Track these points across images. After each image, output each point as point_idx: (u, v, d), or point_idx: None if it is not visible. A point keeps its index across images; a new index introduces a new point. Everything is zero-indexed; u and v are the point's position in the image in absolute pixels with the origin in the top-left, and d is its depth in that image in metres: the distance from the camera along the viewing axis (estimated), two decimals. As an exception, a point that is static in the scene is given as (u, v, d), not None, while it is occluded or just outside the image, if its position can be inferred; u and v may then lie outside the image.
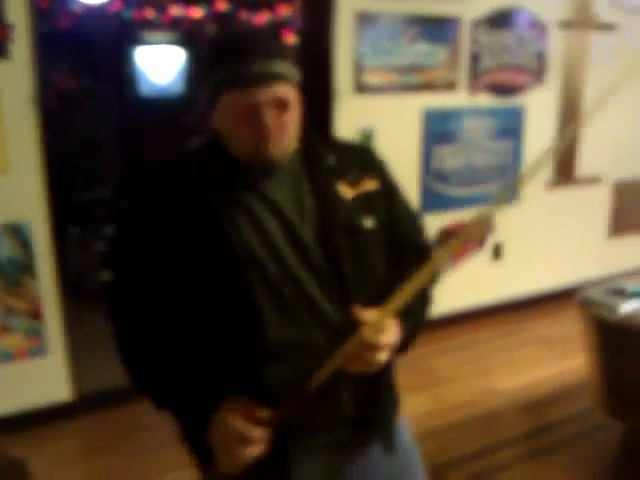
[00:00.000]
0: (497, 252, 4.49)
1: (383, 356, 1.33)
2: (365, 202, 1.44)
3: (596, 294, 2.70)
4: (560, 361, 3.88)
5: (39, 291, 3.16)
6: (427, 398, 3.50)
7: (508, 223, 4.43)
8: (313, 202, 1.41)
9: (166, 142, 5.80)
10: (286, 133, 1.36)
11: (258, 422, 1.28)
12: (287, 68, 1.34)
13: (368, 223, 1.43)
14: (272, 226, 1.37)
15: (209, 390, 1.34)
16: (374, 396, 1.48)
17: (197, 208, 1.34)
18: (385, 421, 1.54)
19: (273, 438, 1.31)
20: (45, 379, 3.27)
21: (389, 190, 1.52)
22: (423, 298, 1.52)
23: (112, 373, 3.60)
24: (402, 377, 3.10)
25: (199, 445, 1.37)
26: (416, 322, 1.50)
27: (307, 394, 1.29)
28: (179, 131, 5.69)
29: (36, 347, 3.20)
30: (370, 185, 1.47)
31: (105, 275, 1.48)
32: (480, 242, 4.39)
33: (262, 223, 1.36)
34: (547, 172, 4.55)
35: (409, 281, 1.25)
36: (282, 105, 1.33)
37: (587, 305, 2.65)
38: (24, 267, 3.10)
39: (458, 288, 4.35)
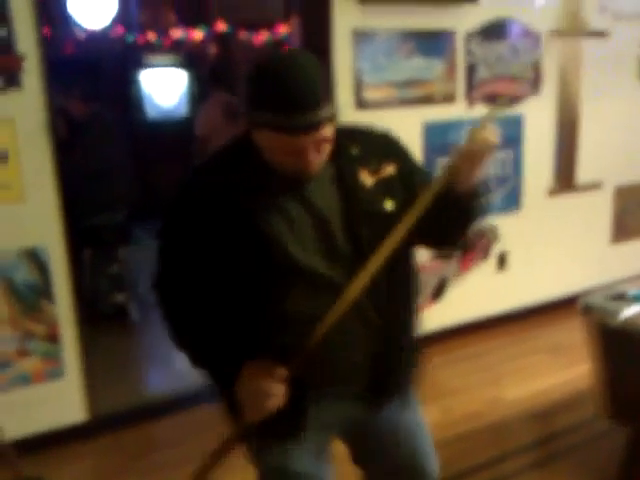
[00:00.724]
0: (502, 262, 4.53)
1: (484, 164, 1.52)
2: (385, 186, 1.57)
3: (597, 300, 2.70)
4: (567, 369, 3.89)
5: (56, 315, 3.22)
6: (435, 410, 3.50)
7: (511, 232, 4.48)
8: (338, 193, 1.55)
9: (174, 164, 5.89)
10: (324, 158, 1.49)
11: (277, 379, 1.50)
12: (330, 110, 1.42)
13: (388, 206, 1.56)
14: (303, 221, 1.52)
15: (238, 353, 1.56)
16: (389, 354, 1.64)
17: (234, 207, 1.50)
18: (402, 380, 1.73)
19: (291, 392, 1.53)
20: (61, 401, 3.33)
21: (409, 170, 1.63)
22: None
23: (126, 394, 3.72)
24: None
25: (229, 399, 1.60)
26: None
27: (313, 343, 1.50)
28: (187, 154, 5.76)
29: (52, 370, 3.26)
30: (390, 170, 1.59)
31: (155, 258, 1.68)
32: (485, 252, 4.46)
33: (294, 220, 1.51)
34: (547, 179, 4.61)
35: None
36: (322, 142, 1.44)
37: (589, 311, 2.65)
38: (42, 291, 3.17)
39: (464, 299, 4.40)
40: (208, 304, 1.59)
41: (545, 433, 3.33)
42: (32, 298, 3.16)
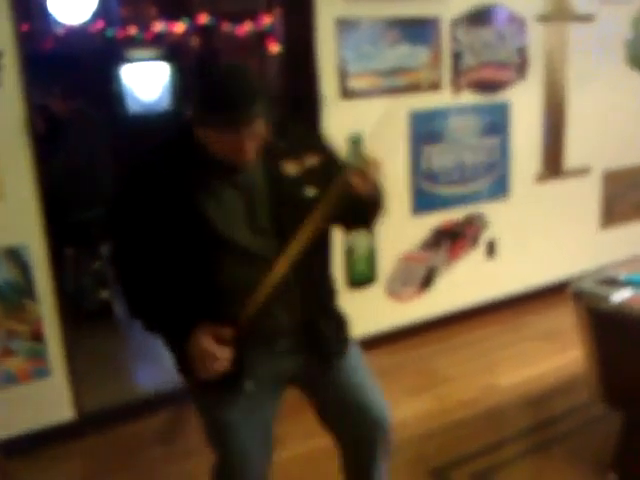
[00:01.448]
0: (491, 249, 4.52)
1: (375, 177, 1.74)
2: (308, 175, 1.82)
3: (587, 284, 2.70)
4: (561, 354, 3.90)
5: (40, 313, 3.18)
6: (429, 398, 3.52)
7: (500, 219, 4.47)
8: (265, 181, 1.80)
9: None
10: (258, 148, 1.73)
11: (223, 342, 1.77)
12: (263, 108, 1.67)
13: (310, 192, 1.81)
14: (234, 203, 1.77)
15: (186, 318, 1.80)
16: (310, 313, 1.90)
17: (175, 189, 1.74)
18: (331, 343, 1.96)
19: (235, 354, 1.79)
20: (48, 400, 3.29)
21: (331, 163, 1.88)
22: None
23: (113, 391, 3.69)
24: (404, 379, 3.22)
25: (181, 360, 1.86)
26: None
27: (250, 309, 1.76)
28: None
29: (38, 369, 3.22)
30: (312, 160, 1.85)
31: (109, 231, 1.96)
32: (474, 240, 4.43)
33: (226, 201, 1.77)
34: (535, 165, 4.59)
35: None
36: (258, 135, 1.70)
37: (579, 296, 2.65)
38: (24, 290, 3.13)
39: (455, 287, 4.40)
40: (158, 275, 1.82)
41: (540, 419, 3.33)
42: (14, 297, 3.12)
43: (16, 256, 3.10)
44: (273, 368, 1.94)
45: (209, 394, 1.94)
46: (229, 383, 1.87)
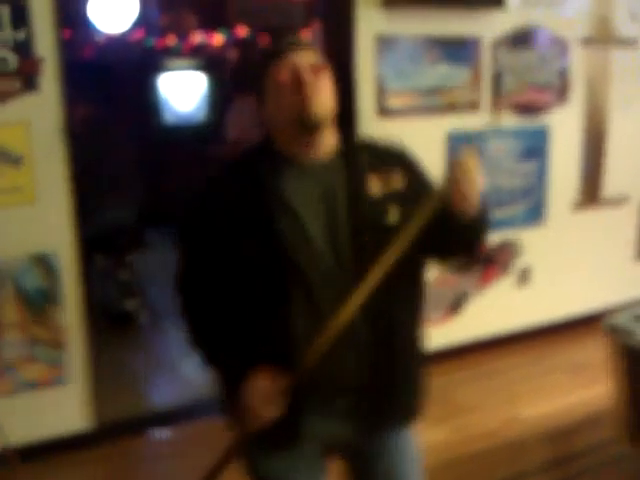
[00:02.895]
0: (523, 276, 4.42)
1: (477, 192, 1.54)
2: (391, 198, 1.61)
3: (622, 320, 2.62)
4: (586, 388, 3.78)
5: (64, 321, 3.17)
6: (449, 428, 3.42)
7: (534, 247, 4.37)
8: (345, 198, 1.60)
9: (191, 170, 5.83)
10: (323, 92, 1.58)
11: (280, 388, 1.56)
12: (312, 44, 1.66)
13: (393, 217, 1.60)
14: (307, 219, 1.58)
15: (249, 356, 1.61)
16: (387, 370, 1.64)
17: (252, 200, 1.59)
18: (398, 403, 1.70)
19: (290, 402, 1.58)
20: (65, 408, 3.28)
21: (419, 187, 1.66)
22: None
23: (132, 402, 3.67)
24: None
25: (234, 403, 1.64)
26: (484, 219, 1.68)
27: (311, 357, 1.54)
28: (204, 159, 5.73)
29: (57, 376, 3.21)
30: (398, 182, 1.63)
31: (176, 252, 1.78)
32: (505, 266, 4.35)
33: (300, 217, 1.58)
34: (573, 192, 4.49)
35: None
36: (316, 70, 1.58)
37: (613, 331, 2.58)
38: (50, 297, 3.12)
39: (483, 314, 4.30)
40: (226, 302, 1.65)
41: (562, 454, 3.22)
42: (40, 303, 3.12)
43: (45, 262, 3.10)
44: (325, 430, 1.68)
45: (256, 444, 1.71)
46: (281, 439, 1.66)
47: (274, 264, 1.57)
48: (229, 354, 1.67)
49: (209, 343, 1.71)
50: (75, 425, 3.30)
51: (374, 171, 1.62)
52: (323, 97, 1.58)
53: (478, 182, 1.55)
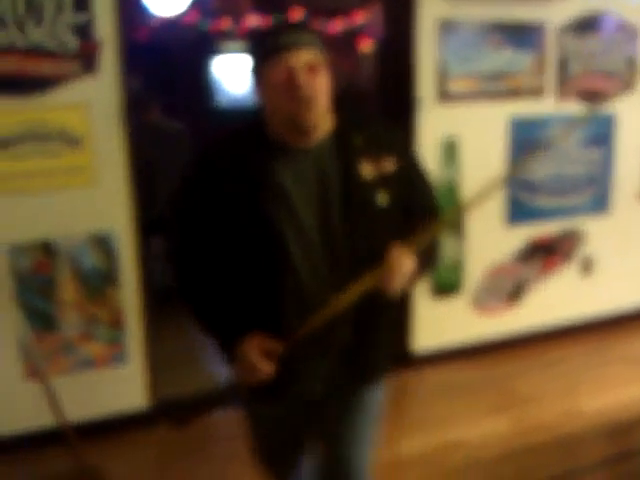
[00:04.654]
0: (587, 266, 4.32)
1: (402, 280, 1.65)
2: (382, 181, 1.68)
3: None
4: (650, 381, 3.69)
5: (122, 300, 3.20)
6: (509, 418, 3.38)
7: (598, 235, 4.26)
8: (338, 181, 1.66)
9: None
10: (318, 96, 1.61)
11: (269, 354, 1.67)
12: (313, 39, 1.63)
13: (383, 200, 1.68)
14: (299, 203, 1.66)
15: (241, 322, 1.71)
16: (369, 332, 1.78)
17: (242, 182, 1.65)
18: (376, 359, 1.86)
19: (282, 364, 1.69)
20: (124, 387, 3.31)
21: (408, 171, 1.76)
22: (431, 248, 1.80)
23: (190, 382, 3.67)
24: (484, 396, 3.08)
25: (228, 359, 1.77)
26: (426, 262, 1.77)
27: (307, 328, 1.66)
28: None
29: (116, 355, 3.24)
30: (389, 165, 1.70)
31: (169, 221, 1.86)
32: (568, 256, 4.24)
33: (292, 202, 1.65)
34: (638, 181, 4.35)
35: (423, 231, 1.66)
36: (312, 69, 1.59)
37: None
38: (107, 276, 3.15)
39: (544, 303, 4.22)
40: (218, 271, 1.74)
41: (621, 450, 3.16)
42: (98, 283, 3.14)
43: (103, 243, 3.12)
44: (308, 386, 1.84)
45: (252, 396, 1.88)
46: (271, 392, 1.79)
47: (263, 247, 1.65)
48: (221, 317, 1.76)
49: (201, 305, 1.79)
50: (133, 404, 3.33)
51: (367, 154, 1.68)
52: (319, 99, 1.61)
53: (399, 280, 1.64)
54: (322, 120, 1.65)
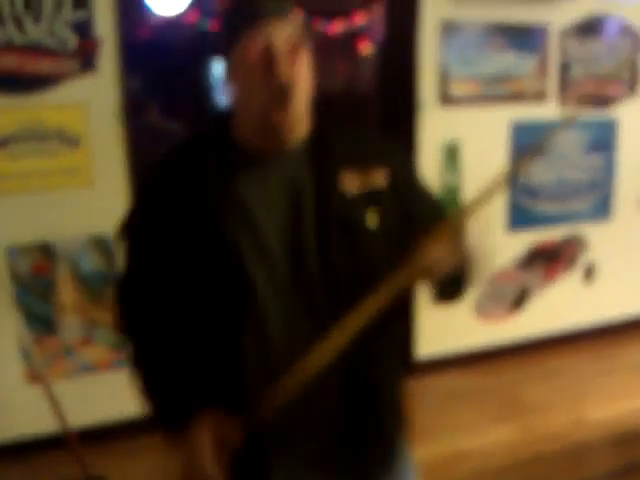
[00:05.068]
0: (589, 273, 4.29)
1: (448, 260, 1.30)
2: (371, 198, 1.34)
3: None
4: (657, 390, 3.65)
5: (122, 303, 3.15)
6: (514, 427, 3.33)
7: (600, 242, 4.24)
8: (312, 192, 1.32)
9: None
10: (299, 86, 1.29)
11: (227, 444, 1.30)
12: (291, 8, 1.30)
13: (371, 221, 1.33)
14: (267, 226, 1.32)
15: (191, 388, 1.36)
16: (367, 406, 1.38)
17: (197, 202, 1.32)
18: (382, 435, 1.43)
19: (252, 453, 1.33)
20: (127, 392, 3.24)
21: (405, 186, 1.41)
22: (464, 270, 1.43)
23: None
24: (487, 404, 3.04)
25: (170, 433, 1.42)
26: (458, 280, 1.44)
27: (275, 399, 1.28)
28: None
29: (118, 359, 3.19)
30: (380, 179, 1.35)
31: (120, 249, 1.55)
32: (570, 262, 4.21)
33: (257, 225, 1.31)
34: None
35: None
36: (295, 49, 1.28)
37: None
38: (108, 279, 3.10)
39: (547, 310, 4.19)
40: (171, 320, 1.39)
41: (630, 460, 3.14)
42: (99, 285, 3.10)
43: (103, 244, 3.08)
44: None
45: None
46: None
47: (224, 280, 1.30)
48: (170, 381, 1.39)
49: (148, 362, 1.45)
50: (137, 409, 3.27)
51: (351, 164, 1.34)
52: (298, 90, 1.29)
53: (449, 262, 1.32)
54: (300, 121, 1.33)
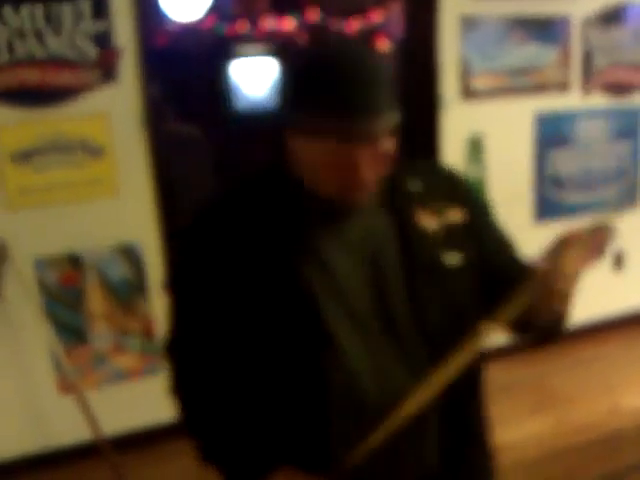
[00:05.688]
0: (619, 261, 4.24)
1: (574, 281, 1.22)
2: (449, 236, 1.27)
3: None
4: (690, 376, 3.60)
5: (152, 310, 3.17)
6: (547, 419, 3.31)
7: (629, 229, 4.16)
8: (392, 238, 1.24)
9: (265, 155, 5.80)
10: (377, 181, 1.18)
11: None
12: (395, 116, 1.13)
13: (453, 259, 1.26)
14: (345, 274, 1.21)
15: (264, 452, 1.24)
16: (462, 444, 1.30)
17: (267, 251, 1.19)
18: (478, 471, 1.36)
19: None
20: (158, 398, 3.25)
21: (479, 222, 1.34)
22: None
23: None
24: (521, 396, 2.98)
25: None
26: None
27: (361, 453, 1.17)
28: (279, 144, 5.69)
29: (149, 366, 3.21)
30: (455, 216, 1.29)
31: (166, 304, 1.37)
32: (599, 251, 4.14)
33: (335, 274, 1.20)
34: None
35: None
36: (384, 159, 1.15)
37: None
38: (137, 287, 3.13)
39: (578, 300, 4.06)
40: (230, 379, 1.26)
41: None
42: (127, 294, 3.12)
43: (130, 253, 3.10)
44: None
45: None
46: None
47: (302, 332, 1.18)
48: (236, 447, 1.27)
49: (209, 431, 1.32)
50: (168, 415, 3.28)
51: (427, 203, 1.27)
52: (375, 185, 1.18)
53: (577, 278, 1.23)
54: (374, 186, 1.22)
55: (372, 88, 1.09)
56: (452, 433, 1.27)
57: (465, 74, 3.57)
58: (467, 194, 1.36)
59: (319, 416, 1.19)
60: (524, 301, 1.19)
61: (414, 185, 1.29)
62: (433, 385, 1.17)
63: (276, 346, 1.19)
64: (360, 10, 6.56)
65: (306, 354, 1.18)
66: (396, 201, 1.26)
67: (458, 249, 1.27)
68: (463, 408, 1.29)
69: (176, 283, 1.33)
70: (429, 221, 1.26)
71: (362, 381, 1.19)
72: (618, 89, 3.97)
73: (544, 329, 1.35)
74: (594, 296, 4.14)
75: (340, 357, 1.18)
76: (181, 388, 1.37)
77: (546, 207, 3.92)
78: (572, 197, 3.98)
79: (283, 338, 1.19)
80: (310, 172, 1.16)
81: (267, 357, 1.20)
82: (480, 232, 1.33)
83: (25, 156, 2.89)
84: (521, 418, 3.30)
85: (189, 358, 1.33)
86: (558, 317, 1.31)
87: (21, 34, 2.80)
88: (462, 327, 1.23)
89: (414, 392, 1.17)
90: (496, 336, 1.26)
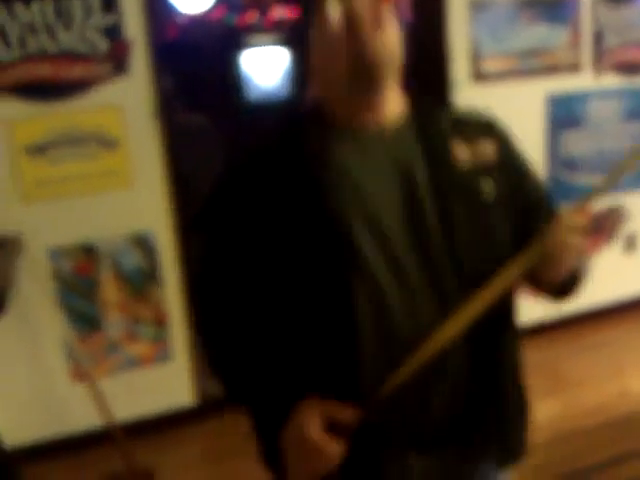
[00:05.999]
0: (630, 244, 4.21)
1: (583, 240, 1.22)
2: (483, 170, 1.26)
3: None
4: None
5: (164, 299, 3.21)
6: (557, 402, 3.31)
7: (640, 212, 4.16)
8: (424, 166, 1.23)
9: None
10: (385, 30, 1.18)
11: (338, 431, 1.16)
12: None
13: (487, 187, 1.25)
14: (376, 197, 1.21)
15: (292, 384, 1.22)
16: (493, 378, 1.30)
17: (298, 181, 1.21)
18: (501, 428, 1.34)
19: (362, 448, 1.20)
20: (170, 385, 3.32)
21: (514, 164, 1.34)
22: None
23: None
24: (530, 380, 2.97)
25: (271, 447, 1.26)
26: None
27: (392, 383, 1.16)
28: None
29: (161, 353, 3.25)
30: (489, 151, 1.28)
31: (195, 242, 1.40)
32: (611, 233, 4.14)
33: (366, 195, 1.20)
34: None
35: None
36: (378, 16, 1.17)
37: None
38: (150, 276, 3.17)
39: (589, 283, 4.07)
40: (258, 310, 1.26)
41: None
42: (140, 283, 3.16)
43: (143, 242, 3.13)
44: (408, 470, 1.26)
45: None
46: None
47: (330, 255, 1.17)
48: (263, 379, 1.25)
49: (235, 365, 1.30)
50: (180, 401, 3.35)
51: (459, 137, 1.27)
52: (385, 36, 1.18)
53: (580, 250, 1.24)
54: (392, 82, 1.24)
55: None
56: (483, 367, 1.26)
57: (475, 57, 3.56)
58: (499, 133, 1.35)
59: (348, 345, 1.18)
60: (541, 247, 1.20)
61: (444, 120, 1.30)
62: (464, 318, 1.17)
63: (305, 271, 1.19)
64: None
65: (334, 275, 1.18)
66: (427, 135, 1.26)
67: (490, 183, 1.27)
68: (493, 342, 1.29)
69: (207, 216, 1.34)
70: (463, 154, 1.26)
71: (391, 307, 1.18)
72: (630, 69, 3.94)
73: (556, 285, 1.35)
74: (605, 279, 4.13)
75: (368, 280, 1.17)
76: (208, 324, 1.35)
77: (558, 190, 3.90)
78: (584, 179, 3.95)
79: (312, 262, 1.18)
80: (324, 66, 1.24)
81: (296, 284, 1.21)
82: (512, 168, 1.33)
83: (40, 149, 2.93)
84: (531, 401, 3.29)
85: (216, 291, 1.31)
86: (570, 273, 1.30)
87: (32, 29, 2.83)
88: (492, 258, 1.23)
89: (445, 324, 1.17)
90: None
